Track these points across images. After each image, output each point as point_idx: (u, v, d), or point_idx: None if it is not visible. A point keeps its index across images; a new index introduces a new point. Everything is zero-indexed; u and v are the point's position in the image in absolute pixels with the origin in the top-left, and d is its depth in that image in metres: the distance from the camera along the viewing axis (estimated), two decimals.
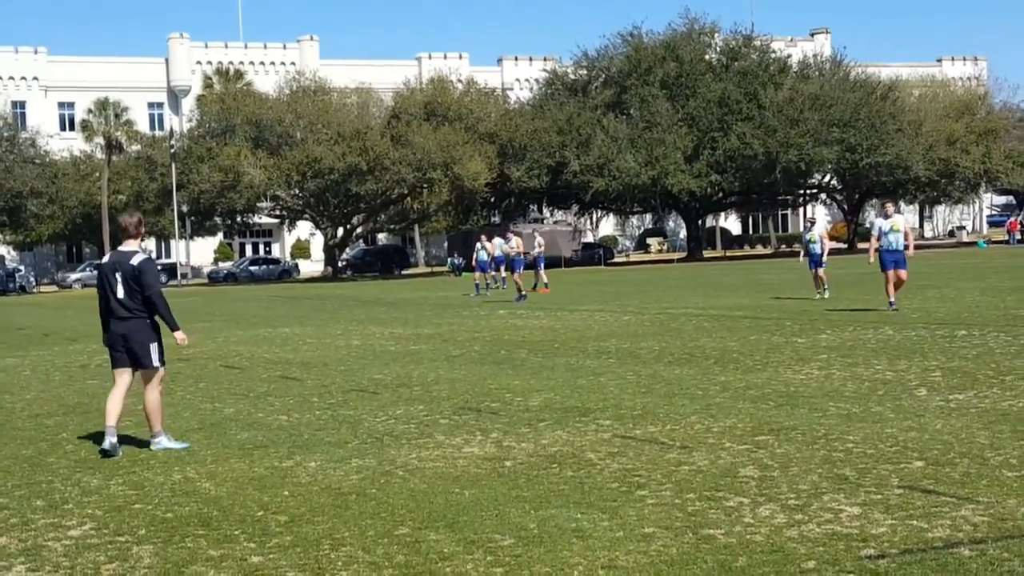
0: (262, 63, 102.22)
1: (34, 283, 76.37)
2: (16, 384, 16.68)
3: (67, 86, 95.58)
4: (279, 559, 6.88)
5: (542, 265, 40.91)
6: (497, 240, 39.83)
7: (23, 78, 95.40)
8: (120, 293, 10.51)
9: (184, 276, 79.23)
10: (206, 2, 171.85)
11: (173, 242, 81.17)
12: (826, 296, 27.38)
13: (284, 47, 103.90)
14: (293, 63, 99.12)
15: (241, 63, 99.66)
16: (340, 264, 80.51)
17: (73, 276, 78.81)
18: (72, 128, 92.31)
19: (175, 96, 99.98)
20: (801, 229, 46.97)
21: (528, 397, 13.07)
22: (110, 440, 10.42)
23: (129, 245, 10.65)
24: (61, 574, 6.81)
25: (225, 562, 6.88)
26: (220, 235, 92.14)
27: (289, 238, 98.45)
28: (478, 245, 41.29)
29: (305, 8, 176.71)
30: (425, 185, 73.83)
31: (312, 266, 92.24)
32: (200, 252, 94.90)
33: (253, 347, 21.31)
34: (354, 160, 68.94)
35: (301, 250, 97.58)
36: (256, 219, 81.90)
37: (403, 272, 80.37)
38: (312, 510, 8.03)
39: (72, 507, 8.46)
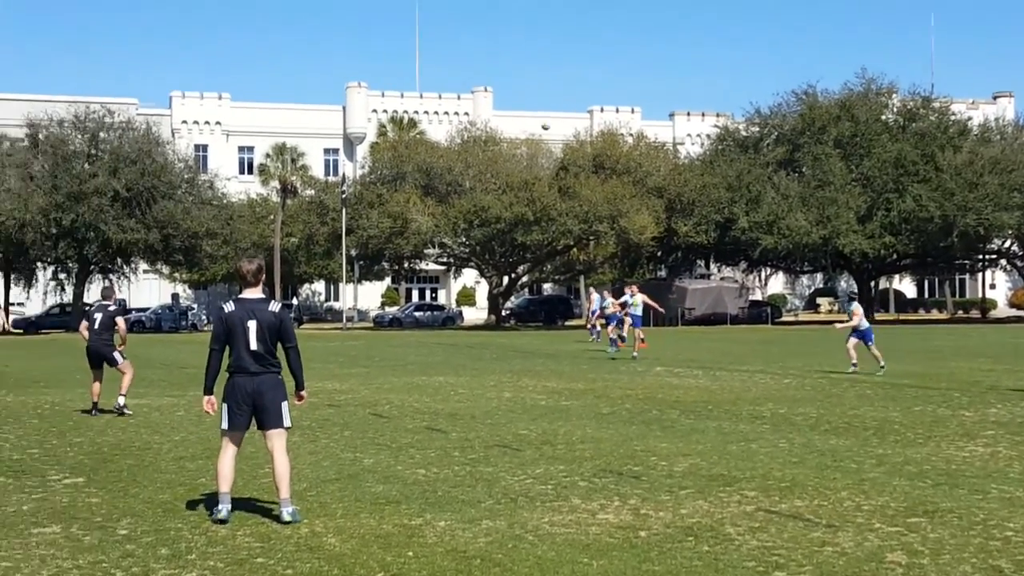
0: (436, 112, 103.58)
1: (205, 321, 78.27)
2: (167, 424, 16.79)
3: (247, 131, 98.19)
4: None
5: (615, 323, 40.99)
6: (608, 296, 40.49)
7: (207, 123, 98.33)
8: (254, 345, 9.65)
9: (350, 320, 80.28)
10: (384, 53, 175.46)
11: (341, 285, 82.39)
12: None
13: (458, 97, 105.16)
14: (466, 113, 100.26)
15: (415, 112, 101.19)
16: (504, 313, 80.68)
17: None
18: (250, 172, 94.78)
19: (350, 143, 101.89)
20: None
21: (673, 462, 12.63)
22: (227, 508, 9.64)
23: (255, 293, 9.92)
24: None
25: None
26: (387, 280, 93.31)
27: (455, 285, 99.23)
28: (603, 299, 41.64)
29: (481, 60, 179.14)
30: (591, 237, 73.69)
31: (476, 313, 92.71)
32: (367, 296, 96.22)
33: (405, 395, 21.22)
34: (521, 210, 69.21)
35: (466, 297, 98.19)
36: (423, 265, 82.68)
37: (566, 323, 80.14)
38: (433, 574, 7.76)
39: (195, 558, 8.34)
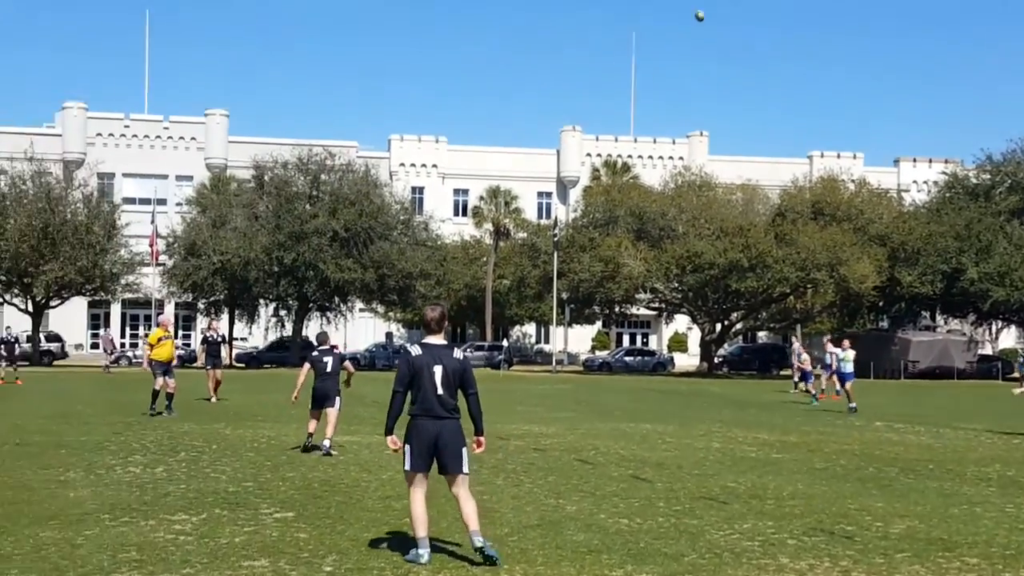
0: (650, 157, 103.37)
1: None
2: (376, 463, 16.97)
3: (463, 174, 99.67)
4: None
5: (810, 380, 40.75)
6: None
7: (423, 165, 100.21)
8: (440, 389, 9.72)
9: (559, 363, 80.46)
10: (600, 97, 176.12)
11: (552, 328, 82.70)
12: None
13: (673, 142, 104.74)
14: (681, 158, 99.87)
15: (629, 156, 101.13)
16: (716, 360, 79.67)
17: None
18: (464, 214, 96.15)
19: (563, 186, 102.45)
20: None
21: (889, 523, 12.14)
22: (427, 552, 9.69)
23: (439, 339, 10.00)
24: None
25: None
26: (598, 324, 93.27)
27: (666, 330, 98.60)
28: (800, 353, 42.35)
29: (696, 104, 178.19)
30: (809, 285, 72.28)
31: (687, 360, 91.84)
32: (578, 339, 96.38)
33: (611, 441, 21.04)
34: (736, 256, 68.41)
35: (678, 343, 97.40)
36: (634, 310, 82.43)
37: (781, 372, 78.63)
38: None
39: None
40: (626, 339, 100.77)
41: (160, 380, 25.34)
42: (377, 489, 14.06)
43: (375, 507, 12.65)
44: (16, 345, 45.04)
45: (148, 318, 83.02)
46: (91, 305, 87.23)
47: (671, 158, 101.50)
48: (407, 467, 9.82)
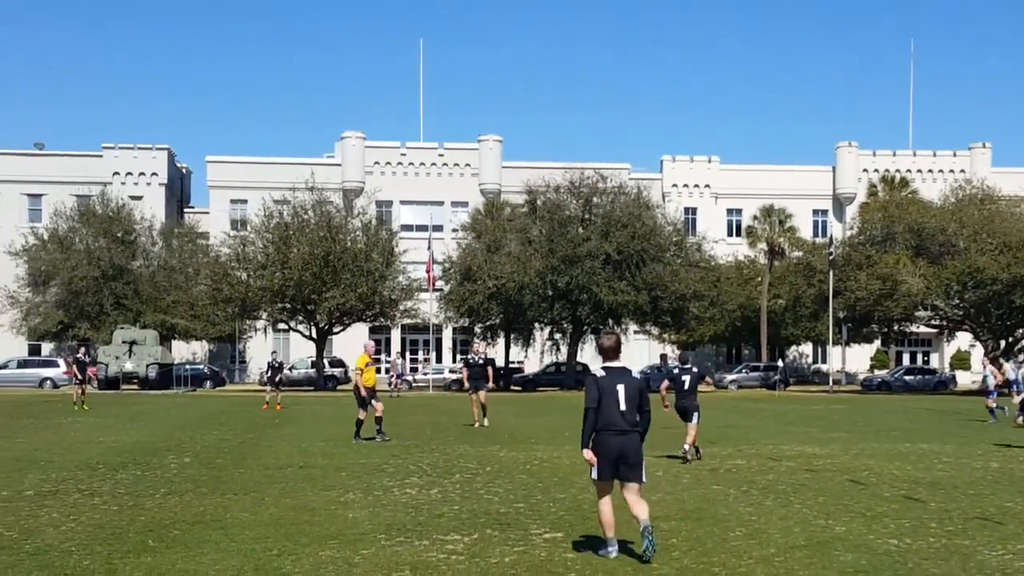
0: (929, 171, 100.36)
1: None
2: (647, 485, 17.13)
3: (736, 193, 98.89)
4: None
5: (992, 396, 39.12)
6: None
7: (696, 185, 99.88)
8: (623, 406, 10.93)
9: (836, 383, 78.84)
10: (876, 110, 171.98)
11: (828, 347, 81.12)
12: None
13: (954, 154, 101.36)
14: (963, 170, 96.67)
15: (908, 171, 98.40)
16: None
17: (729, 377, 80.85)
18: (738, 233, 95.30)
19: (839, 203, 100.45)
20: None
21: None
22: (615, 548, 11.05)
23: (617, 363, 11.24)
24: None
25: None
26: (877, 342, 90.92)
27: (948, 348, 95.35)
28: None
29: (979, 114, 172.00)
30: None
31: (970, 378, 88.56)
32: (855, 358, 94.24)
33: (885, 462, 20.67)
34: (1020, 271, 65.76)
35: (960, 361, 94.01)
36: (913, 328, 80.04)
37: None
38: None
39: None
40: (906, 358, 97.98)
41: (365, 409, 25.59)
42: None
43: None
44: (281, 370, 47.01)
45: (427, 343, 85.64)
46: (372, 331, 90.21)
47: (951, 171, 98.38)
48: (594, 476, 11.02)
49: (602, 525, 11.09)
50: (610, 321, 73.98)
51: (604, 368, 11.25)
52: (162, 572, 10.24)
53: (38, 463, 18.28)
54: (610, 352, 11.31)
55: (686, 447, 20.99)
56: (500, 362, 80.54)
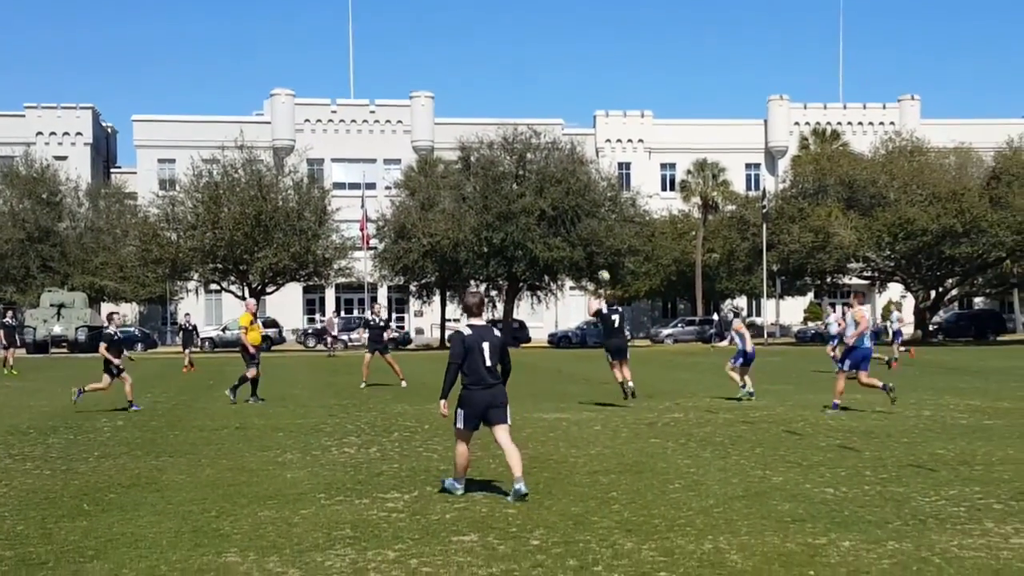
0: (860, 123, 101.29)
1: (629, 337, 79.21)
2: (584, 439, 17.22)
3: (669, 148, 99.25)
4: None
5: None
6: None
7: (629, 140, 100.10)
8: (488, 362, 11.72)
9: (771, 335, 79.53)
10: (806, 64, 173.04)
11: (763, 300, 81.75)
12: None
13: (884, 107, 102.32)
14: (892, 123, 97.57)
15: (839, 123, 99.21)
16: (931, 328, 77.69)
17: (665, 331, 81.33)
18: (672, 188, 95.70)
19: (771, 157, 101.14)
20: None
21: None
22: (463, 486, 12.14)
23: (480, 321, 12.00)
24: None
25: None
26: (810, 295, 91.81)
27: (879, 299, 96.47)
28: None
29: (908, 68, 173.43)
30: None
31: (902, 329, 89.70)
32: (789, 311, 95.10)
33: (820, 412, 20.86)
34: (949, 222, 66.54)
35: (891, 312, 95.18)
36: (846, 280, 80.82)
37: (998, 339, 76.15)
38: None
39: (601, 570, 8.56)
40: (839, 309, 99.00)
41: (256, 368, 25.05)
42: (585, 465, 14.27)
43: (583, 482, 12.86)
44: (195, 333, 46.94)
45: (362, 302, 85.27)
46: (306, 290, 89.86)
47: (881, 123, 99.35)
48: (460, 426, 11.84)
49: (457, 467, 12.06)
50: (546, 277, 74.17)
51: (470, 326, 11.92)
52: (99, 535, 10.13)
53: None
54: (475, 309, 12.05)
55: (631, 384, 22.62)
56: (436, 319, 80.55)
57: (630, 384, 22.88)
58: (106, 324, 25.21)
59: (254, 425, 19.72)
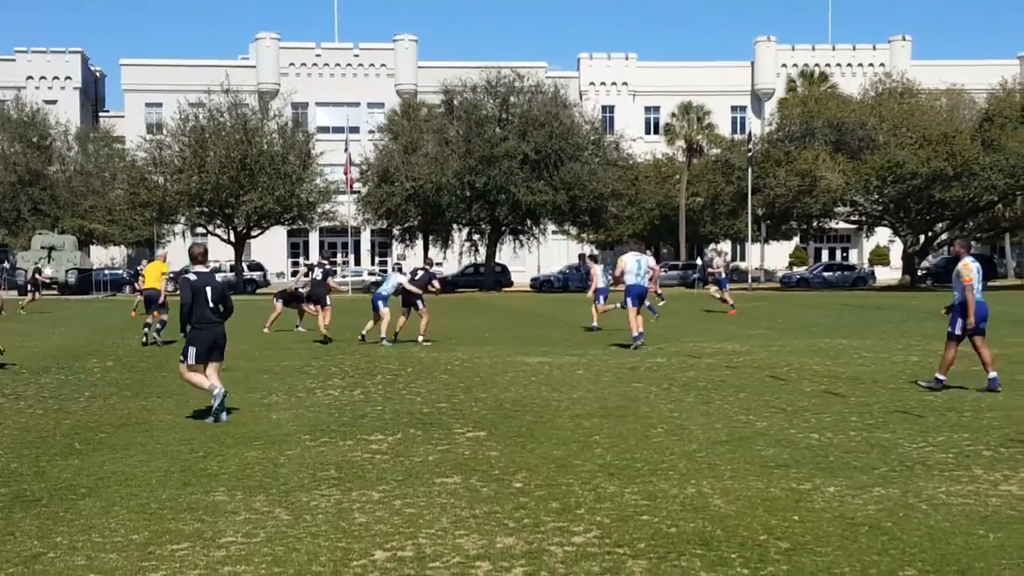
0: (849, 65, 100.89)
1: (611, 280, 78.90)
2: (567, 382, 17.18)
3: (653, 91, 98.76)
4: None
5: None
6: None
7: (613, 83, 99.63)
8: (212, 304, 13.53)
9: (756, 280, 79.56)
10: (794, 4, 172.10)
11: (747, 245, 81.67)
12: None
13: (874, 48, 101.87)
14: (882, 64, 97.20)
15: (827, 65, 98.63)
16: (919, 273, 77.66)
17: None
18: (656, 131, 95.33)
19: (758, 99, 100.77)
20: None
21: None
22: (221, 388, 13.50)
23: (205, 268, 13.81)
24: None
25: None
26: (795, 239, 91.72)
27: (867, 244, 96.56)
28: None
29: (898, 9, 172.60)
30: (1018, 192, 69.66)
31: (889, 273, 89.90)
32: (774, 256, 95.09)
33: (805, 358, 20.82)
34: (939, 165, 66.16)
35: (879, 256, 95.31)
36: (833, 224, 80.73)
37: (989, 284, 76.07)
38: (817, 539, 7.61)
39: (583, 512, 8.52)
40: (825, 254, 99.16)
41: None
42: (568, 408, 14.23)
43: (565, 425, 12.82)
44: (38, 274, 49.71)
45: (345, 246, 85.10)
46: (290, 234, 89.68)
47: (871, 65, 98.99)
48: (191, 361, 13.53)
49: (199, 386, 13.54)
50: (528, 221, 74.03)
51: (195, 272, 13.67)
52: (90, 474, 10.24)
53: None
54: (199, 258, 13.79)
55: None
56: (419, 264, 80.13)
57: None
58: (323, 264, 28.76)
59: (240, 367, 19.67)
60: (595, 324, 29.32)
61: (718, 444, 11.44)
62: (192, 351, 13.51)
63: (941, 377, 15.95)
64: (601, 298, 29.67)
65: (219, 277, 13.50)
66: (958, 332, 15.90)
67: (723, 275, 41.14)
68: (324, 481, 9.80)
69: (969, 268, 15.98)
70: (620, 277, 23.83)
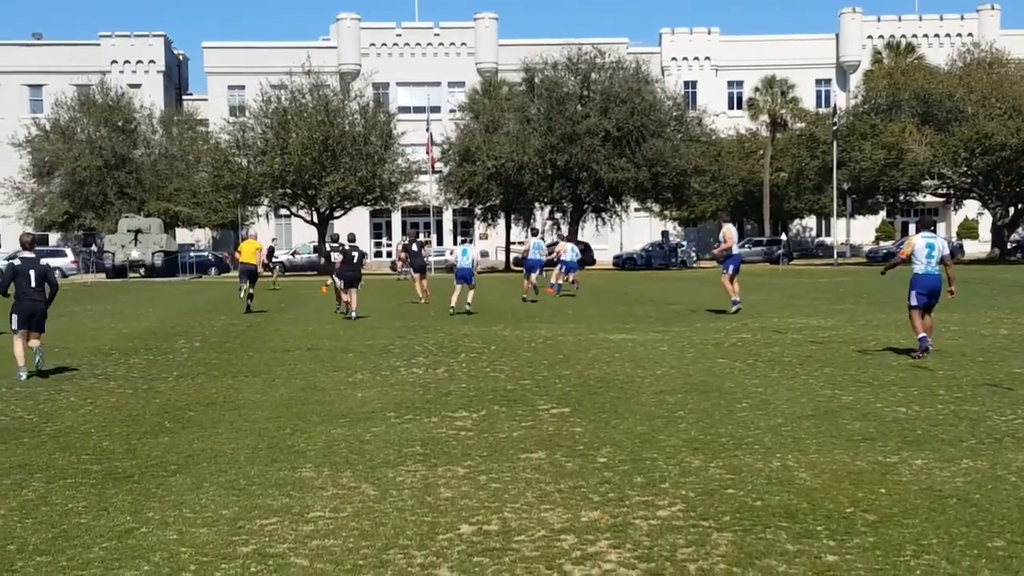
0: (936, 35, 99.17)
1: (695, 258, 78.73)
2: (651, 359, 17.14)
3: (737, 65, 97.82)
4: (855, 561, 6.53)
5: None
6: None
7: (695, 58, 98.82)
8: (34, 284, 16.11)
9: (841, 255, 78.67)
10: None
11: (833, 220, 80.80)
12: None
13: (961, 18, 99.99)
14: (970, 34, 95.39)
15: (914, 36, 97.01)
16: (1009, 246, 76.35)
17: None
18: (739, 107, 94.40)
19: (843, 72, 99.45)
20: None
21: None
22: (26, 373, 15.98)
23: (31, 254, 16.39)
24: (639, 553, 6.85)
25: (799, 558, 6.64)
26: (882, 213, 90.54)
27: (955, 217, 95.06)
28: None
29: None
30: None
31: (979, 247, 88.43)
32: (860, 230, 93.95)
33: (893, 332, 20.59)
34: None
35: (968, 230, 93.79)
36: (920, 197, 79.55)
37: None
38: (904, 511, 7.57)
39: (668, 487, 8.53)
40: (911, 228, 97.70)
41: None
42: (651, 384, 14.22)
43: (649, 401, 12.82)
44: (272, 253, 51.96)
45: (428, 225, 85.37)
46: (373, 215, 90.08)
47: (959, 35, 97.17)
48: (14, 328, 16.12)
49: (17, 360, 16.01)
50: (610, 199, 73.70)
51: (21, 258, 16.30)
52: (180, 451, 10.45)
53: (52, 350, 18.40)
54: (28, 246, 16.45)
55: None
56: (501, 242, 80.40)
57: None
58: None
59: (325, 347, 19.90)
60: (735, 299, 26.46)
61: (803, 418, 11.39)
62: (15, 318, 16.13)
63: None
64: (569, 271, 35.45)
65: (51, 262, 15.15)
66: None
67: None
68: (409, 457, 9.90)
69: None
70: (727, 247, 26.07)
